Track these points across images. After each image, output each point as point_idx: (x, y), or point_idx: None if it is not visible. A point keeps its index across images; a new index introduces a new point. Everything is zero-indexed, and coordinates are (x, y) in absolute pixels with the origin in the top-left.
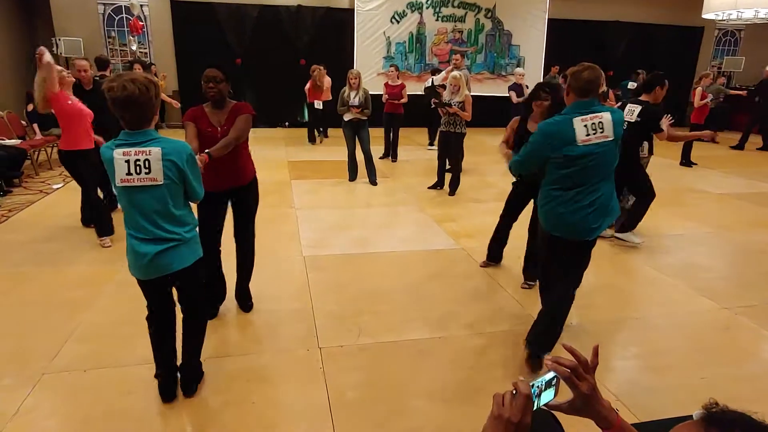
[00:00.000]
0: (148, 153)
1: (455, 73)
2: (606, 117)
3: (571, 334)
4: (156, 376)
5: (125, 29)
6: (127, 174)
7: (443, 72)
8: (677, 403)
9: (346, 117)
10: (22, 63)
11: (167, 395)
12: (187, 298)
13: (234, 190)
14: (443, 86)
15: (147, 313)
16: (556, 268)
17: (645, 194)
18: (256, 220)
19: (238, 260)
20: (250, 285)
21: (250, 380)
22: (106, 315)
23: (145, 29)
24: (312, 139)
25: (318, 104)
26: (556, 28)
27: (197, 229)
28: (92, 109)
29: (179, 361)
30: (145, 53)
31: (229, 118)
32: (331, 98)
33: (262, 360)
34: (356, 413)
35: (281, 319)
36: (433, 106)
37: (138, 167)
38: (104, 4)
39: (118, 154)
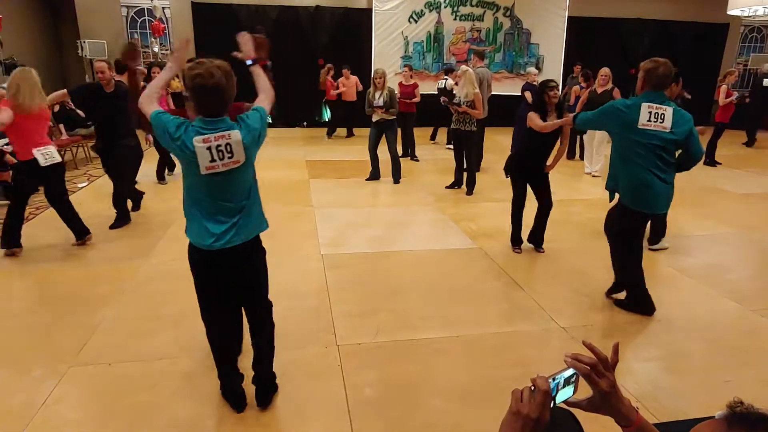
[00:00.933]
0: (228, 137)
1: (464, 66)
2: (668, 110)
3: (591, 334)
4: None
5: (147, 31)
6: (211, 161)
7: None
8: (699, 406)
9: (374, 118)
10: (48, 65)
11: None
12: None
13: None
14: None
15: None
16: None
17: None
18: (275, 219)
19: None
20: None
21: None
22: (129, 310)
23: (166, 31)
24: (330, 133)
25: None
26: (576, 26)
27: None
28: (108, 112)
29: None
30: (167, 55)
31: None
32: (355, 99)
33: (280, 357)
34: (373, 410)
35: (299, 316)
36: (443, 104)
37: (221, 153)
38: (128, 6)
39: (198, 141)
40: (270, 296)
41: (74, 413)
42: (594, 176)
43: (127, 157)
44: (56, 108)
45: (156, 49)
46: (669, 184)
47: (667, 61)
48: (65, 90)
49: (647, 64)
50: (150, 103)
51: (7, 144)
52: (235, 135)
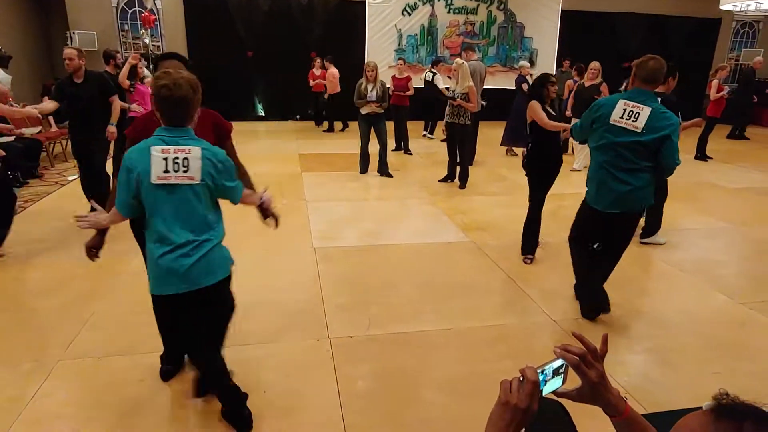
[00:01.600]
0: (187, 152)
1: (459, 60)
2: (645, 110)
3: (582, 326)
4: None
5: (138, 23)
6: (164, 171)
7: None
8: (689, 398)
9: (363, 110)
10: (37, 56)
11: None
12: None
13: None
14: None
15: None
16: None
17: (659, 192)
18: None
19: None
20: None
21: (260, 370)
22: (119, 304)
23: (157, 22)
24: (318, 123)
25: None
26: (570, 20)
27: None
28: (79, 104)
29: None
30: (158, 46)
31: (205, 125)
32: (337, 90)
33: (273, 350)
34: (366, 403)
35: (292, 309)
36: (443, 98)
37: (176, 165)
38: None
39: (156, 151)
40: (262, 289)
41: (63, 407)
42: (573, 170)
43: (105, 154)
44: (45, 99)
45: (147, 41)
46: (629, 186)
47: (657, 57)
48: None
49: (639, 59)
50: None
51: None
52: (195, 151)
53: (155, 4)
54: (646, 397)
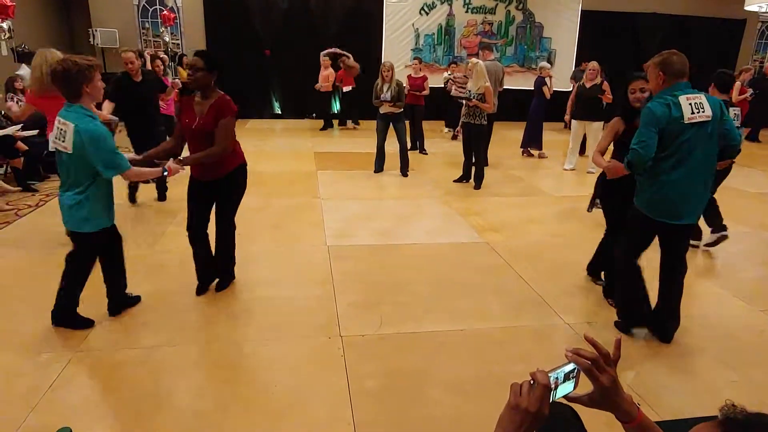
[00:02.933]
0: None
1: (474, 59)
2: (702, 98)
3: (596, 330)
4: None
5: (158, 20)
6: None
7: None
8: (705, 406)
9: (381, 110)
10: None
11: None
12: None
13: (216, 181)
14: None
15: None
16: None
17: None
18: (282, 209)
19: (216, 248)
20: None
21: (271, 365)
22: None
23: (177, 20)
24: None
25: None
26: (590, 20)
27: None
28: (139, 102)
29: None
30: (178, 44)
31: (209, 111)
32: (331, 90)
33: (284, 346)
34: (375, 401)
35: (304, 306)
36: (457, 99)
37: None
38: None
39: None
40: (274, 285)
41: (79, 398)
42: (566, 170)
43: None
44: None
45: (167, 39)
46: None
47: (676, 51)
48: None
49: (657, 58)
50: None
51: (19, 130)
52: (70, 126)
53: (175, 2)
54: (659, 404)
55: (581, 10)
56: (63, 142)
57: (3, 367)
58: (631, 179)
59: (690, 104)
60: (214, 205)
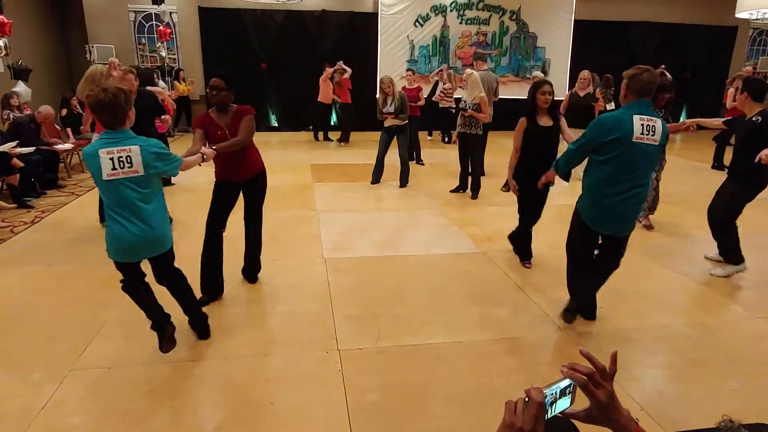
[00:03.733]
0: (129, 150)
1: (469, 70)
2: (658, 123)
3: (596, 341)
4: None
5: (155, 36)
6: (112, 169)
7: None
8: (706, 416)
9: (385, 123)
10: (56, 69)
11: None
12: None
13: (245, 182)
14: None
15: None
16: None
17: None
18: (279, 222)
19: (247, 240)
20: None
21: (268, 380)
22: (130, 314)
23: (173, 35)
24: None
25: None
26: (583, 29)
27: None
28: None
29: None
30: (174, 59)
31: (233, 120)
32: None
33: (281, 361)
34: (374, 416)
35: (301, 320)
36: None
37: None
38: (135, 11)
39: (102, 153)
40: (272, 299)
41: (74, 417)
42: None
43: None
44: (63, 112)
45: (163, 54)
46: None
47: (649, 68)
48: None
49: (630, 71)
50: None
51: (14, 147)
52: (134, 149)
53: (171, 18)
54: (661, 415)
55: (574, 20)
56: (131, 167)
57: None
58: (542, 166)
59: (642, 125)
60: (232, 208)
